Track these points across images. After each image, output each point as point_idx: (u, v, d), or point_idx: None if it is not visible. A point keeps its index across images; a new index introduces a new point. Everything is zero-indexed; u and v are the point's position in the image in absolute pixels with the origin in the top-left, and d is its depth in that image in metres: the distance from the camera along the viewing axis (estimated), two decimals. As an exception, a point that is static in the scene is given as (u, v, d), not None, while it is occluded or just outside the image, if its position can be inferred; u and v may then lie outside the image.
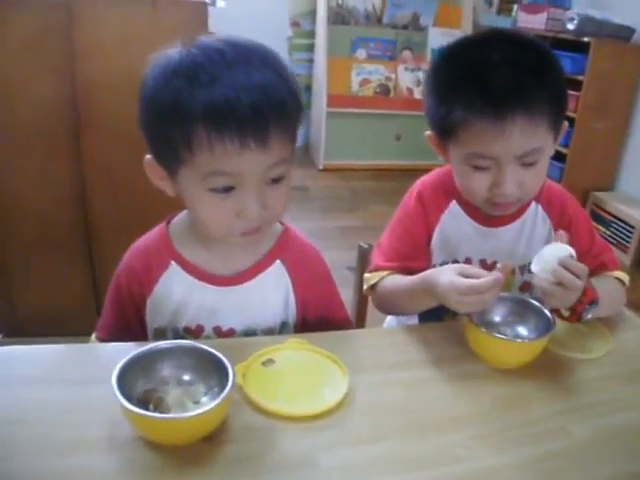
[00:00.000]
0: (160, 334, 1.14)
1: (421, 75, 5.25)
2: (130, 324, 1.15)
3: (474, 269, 1.05)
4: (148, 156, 1.05)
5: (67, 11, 2.06)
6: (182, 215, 1.16)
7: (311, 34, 5.42)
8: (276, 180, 0.98)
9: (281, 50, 5.35)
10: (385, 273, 1.28)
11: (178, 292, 1.11)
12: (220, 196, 0.95)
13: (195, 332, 1.13)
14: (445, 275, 1.05)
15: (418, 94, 5.22)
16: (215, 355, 0.89)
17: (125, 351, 0.89)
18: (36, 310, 2.45)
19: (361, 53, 5.19)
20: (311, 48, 5.43)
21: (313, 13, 5.33)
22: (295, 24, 5.43)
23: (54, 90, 2.14)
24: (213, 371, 0.89)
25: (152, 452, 0.82)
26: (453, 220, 1.29)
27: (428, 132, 1.19)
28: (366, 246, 1.51)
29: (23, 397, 0.92)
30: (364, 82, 5.16)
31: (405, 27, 5.33)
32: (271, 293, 1.14)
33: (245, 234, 1.01)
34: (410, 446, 0.88)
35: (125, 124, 2.18)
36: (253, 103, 0.87)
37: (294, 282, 1.14)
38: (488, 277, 1.00)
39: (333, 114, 4.96)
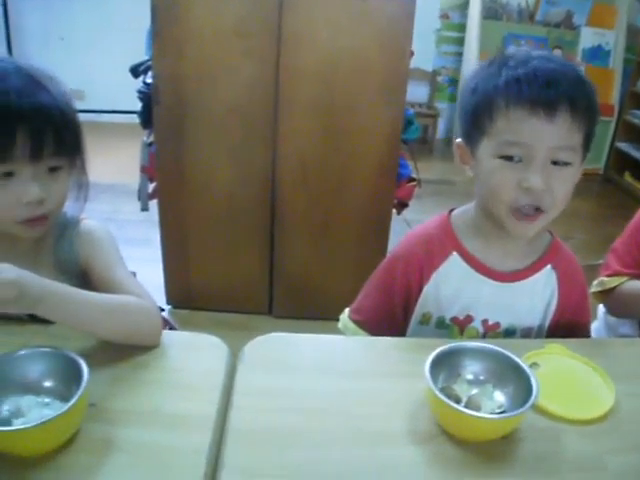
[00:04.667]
0: (425, 321, 1.19)
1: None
2: (394, 308, 1.20)
3: None
4: (458, 140, 1.12)
5: (279, -2, 2.14)
6: (465, 208, 1.20)
7: (460, 27, 5.35)
8: (560, 163, 1.01)
9: (428, 42, 5.33)
10: (625, 278, 1.33)
11: (455, 281, 1.15)
12: (508, 165, 1.00)
13: (462, 322, 1.17)
14: None
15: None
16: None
17: (427, 347, 0.93)
18: (209, 284, 2.58)
19: (512, 50, 5.08)
20: (459, 41, 5.36)
21: (463, 6, 5.27)
22: (444, 16, 5.38)
23: (258, 73, 2.23)
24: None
25: (455, 447, 0.84)
26: None
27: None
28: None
29: (322, 387, 0.96)
30: (513, 79, 5.06)
31: (557, 25, 5.17)
32: (538, 296, 1.17)
33: (519, 211, 1.04)
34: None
35: (322, 113, 2.29)
36: (548, 82, 0.97)
37: (560, 288, 1.17)
38: None
39: (480, 110, 4.89)
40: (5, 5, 5.15)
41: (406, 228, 2.72)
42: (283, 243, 2.47)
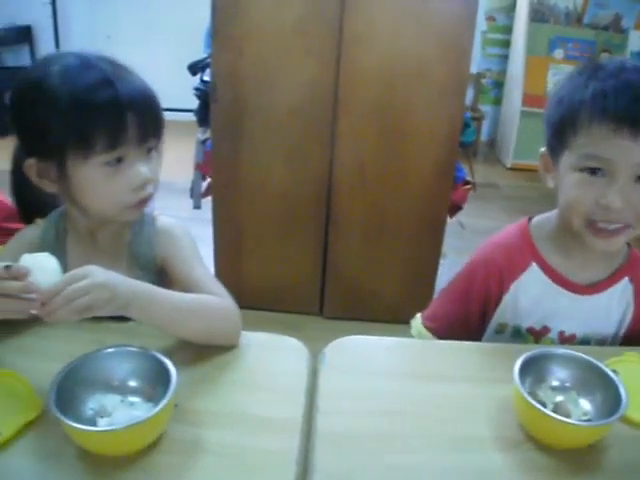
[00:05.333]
0: (501, 330, 1.17)
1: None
2: (469, 315, 1.18)
3: None
4: (542, 149, 1.09)
5: (340, -3, 2.13)
6: (545, 217, 1.17)
7: (506, 29, 5.29)
8: None
9: (474, 44, 5.27)
10: None
11: (533, 292, 1.13)
12: (588, 179, 0.97)
13: (539, 333, 1.15)
14: None
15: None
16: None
17: (509, 352, 0.92)
18: (261, 283, 2.58)
19: (559, 53, 5.01)
20: (505, 44, 5.30)
21: (510, 8, 5.20)
22: (490, 18, 5.32)
23: (317, 73, 2.22)
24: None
25: (543, 454, 0.82)
26: None
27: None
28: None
29: (406, 390, 0.95)
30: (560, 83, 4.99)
31: (605, 28, 5.08)
32: (614, 307, 1.14)
33: (594, 226, 1.01)
34: None
35: (381, 114, 2.27)
36: (637, 97, 0.93)
37: (636, 299, 1.14)
38: None
39: (527, 113, 4.83)
40: (54, 4, 5.23)
41: (460, 231, 2.69)
42: (337, 244, 2.45)
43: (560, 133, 1.01)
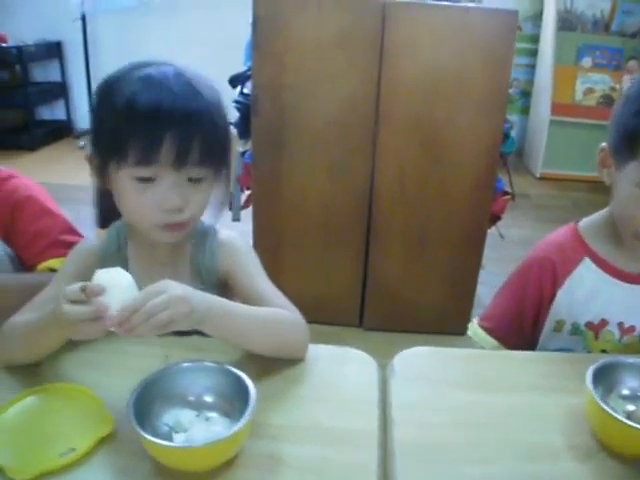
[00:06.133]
0: (558, 328, 1.19)
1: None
2: (524, 314, 1.21)
3: None
4: (604, 144, 1.11)
5: (381, 10, 2.13)
6: (593, 218, 1.20)
7: (533, 38, 5.27)
8: None
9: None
10: None
11: (588, 286, 1.15)
12: None
13: (597, 327, 1.17)
14: None
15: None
16: None
17: (578, 362, 0.93)
18: (300, 294, 2.54)
19: (587, 61, 4.98)
20: (532, 53, 5.28)
21: (537, 17, 5.19)
22: (517, 28, 5.31)
23: (358, 85, 2.22)
24: None
25: (618, 464, 0.82)
26: None
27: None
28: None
29: (477, 401, 0.94)
30: (588, 91, 4.95)
31: (633, 35, 5.04)
32: None
33: None
34: None
35: (421, 125, 2.26)
36: None
37: None
38: None
39: (555, 122, 4.81)
40: (84, 20, 5.30)
41: (496, 242, 2.67)
42: (378, 255, 2.45)
43: (633, 142, 1.01)
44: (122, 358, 1.01)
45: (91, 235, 1.15)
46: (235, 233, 1.14)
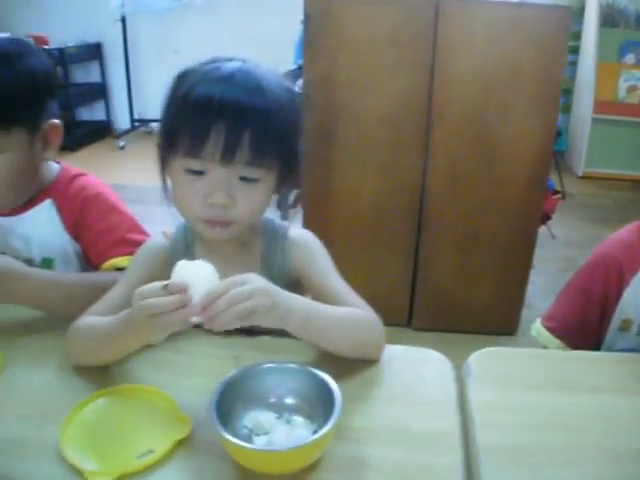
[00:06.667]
0: (625, 327, 1.16)
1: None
2: (588, 313, 1.18)
3: None
4: None
5: (435, 7, 2.12)
6: None
7: (574, 35, 5.17)
8: None
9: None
10: None
11: None
12: None
13: None
14: None
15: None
16: None
17: None
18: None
19: (630, 58, 4.89)
20: (574, 50, 5.19)
21: (578, 14, 5.09)
22: (557, 25, 5.24)
23: (411, 82, 2.21)
24: None
25: None
26: None
27: None
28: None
29: (557, 402, 0.92)
30: (631, 89, 4.86)
31: (678, 31, 4.96)
32: None
33: None
34: None
35: (474, 122, 2.23)
36: None
37: None
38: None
39: (598, 120, 4.73)
40: (123, 20, 5.35)
41: (550, 241, 2.64)
42: (428, 254, 2.43)
43: None
44: (190, 359, 1.00)
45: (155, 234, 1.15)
46: (306, 231, 1.12)
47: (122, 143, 5.31)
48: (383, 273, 2.50)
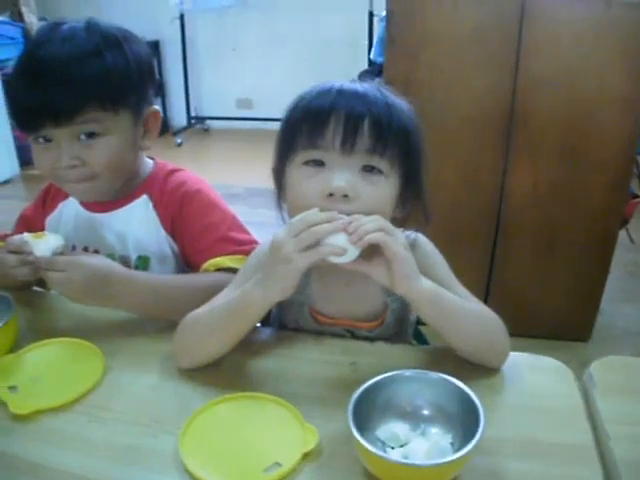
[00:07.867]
0: None
1: None
2: None
3: None
4: None
5: (520, 5, 2.07)
6: None
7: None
8: None
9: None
10: None
11: None
12: None
13: None
14: None
15: None
16: None
17: None
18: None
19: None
20: None
21: None
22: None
23: (494, 82, 2.17)
24: None
25: None
26: None
27: None
28: None
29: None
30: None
31: None
32: None
33: None
34: None
35: (558, 125, 2.16)
36: None
37: None
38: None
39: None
40: (182, 19, 5.41)
41: (628, 245, 2.58)
42: (505, 256, 2.39)
43: None
44: (304, 366, 0.98)
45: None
46: (423, 235, 1.09)
47: (179, 140, 5.36)
48: (459, 273, 2.45)
